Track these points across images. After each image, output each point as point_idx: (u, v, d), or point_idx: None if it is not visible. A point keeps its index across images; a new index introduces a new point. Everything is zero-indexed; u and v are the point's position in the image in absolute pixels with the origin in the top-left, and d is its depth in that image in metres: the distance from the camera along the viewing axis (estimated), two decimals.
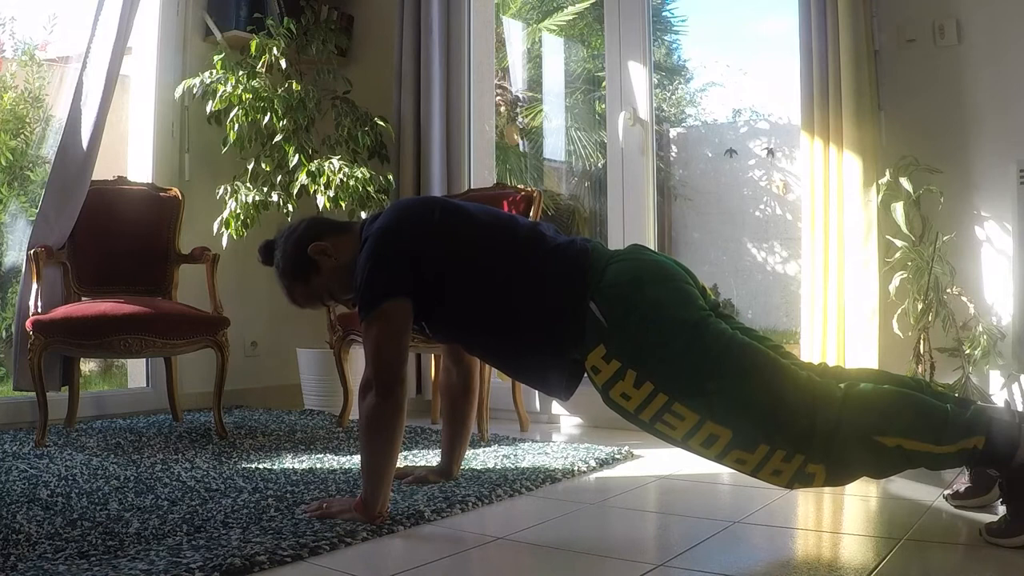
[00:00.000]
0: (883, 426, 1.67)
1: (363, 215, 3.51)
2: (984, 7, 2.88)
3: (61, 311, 2.96)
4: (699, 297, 1.87)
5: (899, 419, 1.68)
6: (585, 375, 1.89)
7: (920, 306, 2.78)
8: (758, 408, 1.71)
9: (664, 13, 8.48)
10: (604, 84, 3.78)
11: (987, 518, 1.77)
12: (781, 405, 1.71)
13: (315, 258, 2.03)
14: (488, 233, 1.98)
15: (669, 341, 1.76)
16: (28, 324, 2.92)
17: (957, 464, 1.75)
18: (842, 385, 1.74)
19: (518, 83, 8.18)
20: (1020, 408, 2.09)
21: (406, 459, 2.62)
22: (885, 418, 1.68)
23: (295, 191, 3.53)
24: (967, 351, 2.74)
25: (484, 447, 2.85)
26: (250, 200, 3.53)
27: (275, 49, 3.64)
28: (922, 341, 2.81)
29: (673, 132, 8.19)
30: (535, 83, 8.23)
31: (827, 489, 2.12)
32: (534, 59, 8.29)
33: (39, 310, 3.01)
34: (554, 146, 8.14)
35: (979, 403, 1.76)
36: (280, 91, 3.62)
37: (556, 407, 3.56)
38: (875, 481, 2.17)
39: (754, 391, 1.72)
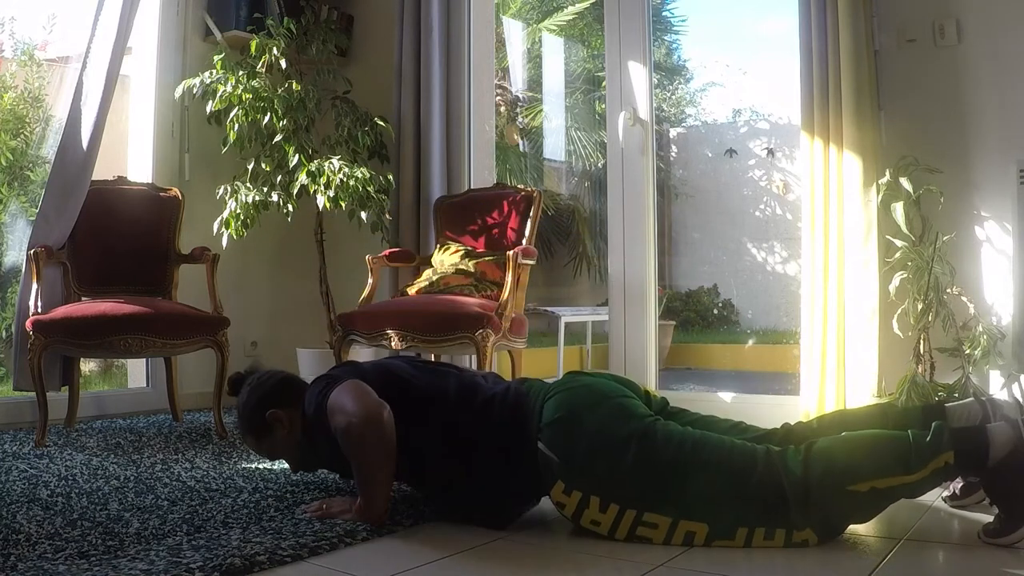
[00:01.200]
0: (851, 475, 1.69)
1: (363, 215, 3.52)
2: (984, 7, 2.88)
3: (61, 311, 2.96)
4: (640, 406, 1.89)
5: (864, 464, 1.70)
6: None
7: (920, 306, 2.78)
8: (725, 496, 1.73)
9: (664, 13, 8.48)
10: (604, 84, 3.78)
11: (987, 518, 1.77)
12: (746, 487, 1.72)
13: (270, 423, 2.06)
14: (425, 398, 1.97)
15: (620, 460, 1.78)
16: (28, 324, 2.92)
17: (936, 484, 1.75)
18: (802, 447, 1.75)
19: (518, 83, 8.18)
20: (995, 398, 2.07)
21: None
22: (850, 467, 1.70)
23: (295, 191, 3.53)
24: (967, 351, 2.74)
25: None
26: (250, 200, 3.53)
27: (275, 49, 3.64)
28: (922, 341, 2.81)
29: (673, 132, 8.19)
30: (535, 83, 8.23)
31: None
32: (534, 59, 8.30)
33: (39, 310, 3.01)
34: (554, 146, 8.15)
35: (946, 408, 1.80)
36: (280, 91, 3.62)
37: None
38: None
39: (715, 481, 1.74)
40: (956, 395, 2.64)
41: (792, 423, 2.01)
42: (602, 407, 1.86)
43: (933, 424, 1.72)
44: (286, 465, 2.51)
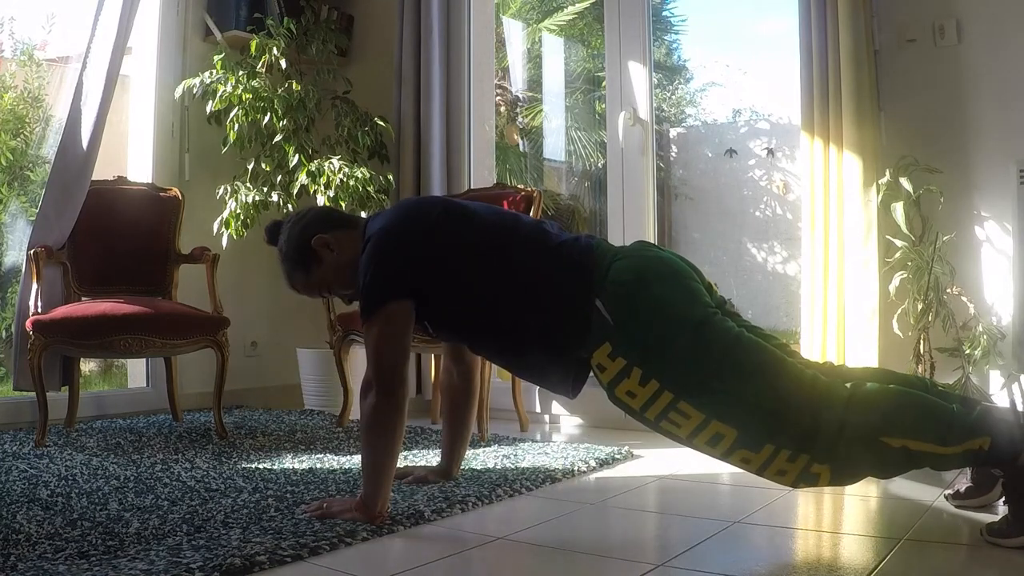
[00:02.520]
0: (888, 427, 1.66)
1: (363, 215, 3.52)
2: (984, 7, 2.88)
3: (61, 311, 2.96)
4: (705, 294, 1.86)
5: (904, 420, 1.68)
6: (591, 373, 1.89)
7: (920, 306, 2.78)
8: (763, 407, 1.70)
9: (664, 13, 8.48)
10: (604, 84, 3.78)
11: (988, 518, 1.77)
12: (786, 405, 1.70)
13: (317, 250, 2.03)
14: (491, 233, 1.98)
15: (675, 339, 1.75)
16: (28, 324, 2.92)
17: (962, 465, 1.75)
18: (848, 385, 1.73)
19: (518, 83, 8.18)
20: (1021, 407, 2.08)
21: (406, 459, 2.62)
22: (890, 419, 1.67)
23: (295, 191, 3.53)
24: (967, 351, 2.74)
25: (484, 447, 2.85)
26: (250, 200, 3.53)
27: (275, 49, 3.64)
28: (922, 341, 2.81)
29: (673, 132, 8.19)
30: (535, 83, 8.23)
31: (827, 489, 2.13)
32: (534, 59, 8.29)
33: (39, 310, 3.01)
34: (554, 146, 8.14)
35: (984, 404, 1.76)
36: (280, 91, 3.62)
37: (556, 407, 3.57)
38: (876, 481, 2.17)
39: (759, 390, 1.71)
40: (960, 395, 2.64)
41: (836, 364, 1.97)
42: (671, 282, 1.84)
43: (978, 406, 1.71)
44: (287, 465, 2.52)
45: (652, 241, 3.55)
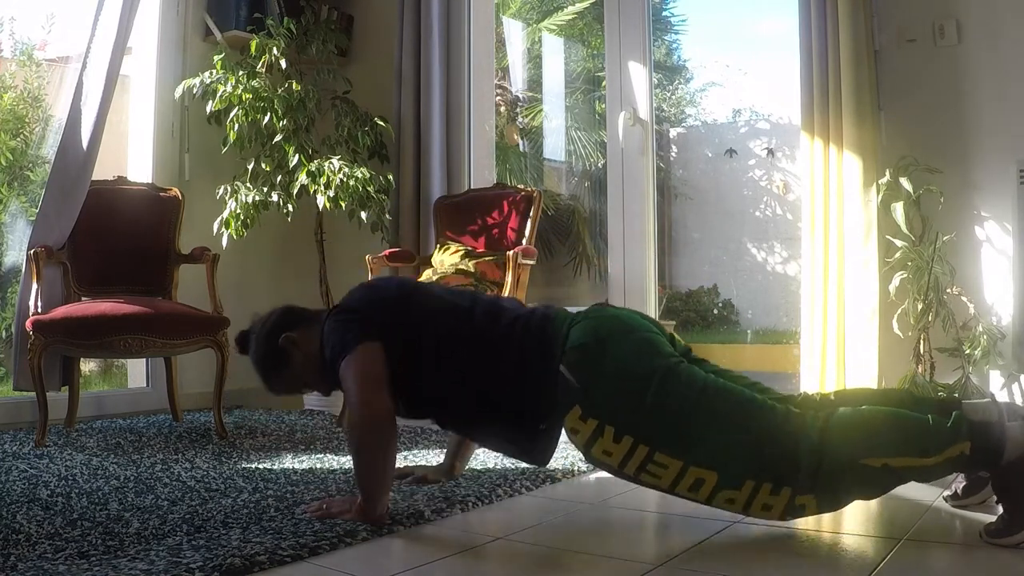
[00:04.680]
0: (867, 449, 1.68)
1: (363, 215, 3.52)
2: (984, 7, 2.88)
3: (61, 311, 2.96)
4: (667, 344, 1.88)
5: (882, 439, 1.69)
6: (558, 439, 1.90)
7: (920, 306, 2.78)
8: (739, 447, 1.72)
9: (664, 13, 8.48)
10: (604, 84, 3.78)
11: (987, 518, 1.77)
12: (762, 441, 1.71)
13: (286, 348, 2.04)
14: (449, 312, 1.98)
15: (641, 392, 1.77)
16: (28, 324, 2.92)
17: (947, 472, 1.75)
18: (821, 414, 1.74)
19: (518, 83, 8.17)
20: (1011, 402, 2.09)
21: (406, 459, 2.62)
22: (868, 441, 1.69)
23: (295, 191, 3.53)
24: (967, 351, 2.74)
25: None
26: (250, 200, 3.53)
27: (275, 49, 3.64)
28: (922, 341, 2.81)
29: (673, 132, 8.19)
30: (535, 83, 8.23)
31: None
32: (534, 59, 8.29)
33: (39, 310, 3.01)
34: (554, 146, 8.14)
35: (963, 404, 1.77)
36: (280, 91, 3.62)
37: None
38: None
39: (733, 431, 1.73)
40: (956, 395, 2.64)
41: (810, 392, 1.99)
42: (629, 338, 1.85)
43: (953, 413, 1.71)
44: (287, 465, 2.52)
45: (651, 243, 3.55)
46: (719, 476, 1.72)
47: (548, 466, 2.46)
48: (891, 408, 1.77)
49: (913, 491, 2.17)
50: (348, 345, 1.90)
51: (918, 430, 1.69)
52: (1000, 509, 1.71)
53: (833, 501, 1.73)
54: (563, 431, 1.87)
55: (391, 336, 1.93)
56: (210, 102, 3.59)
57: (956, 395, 2.63)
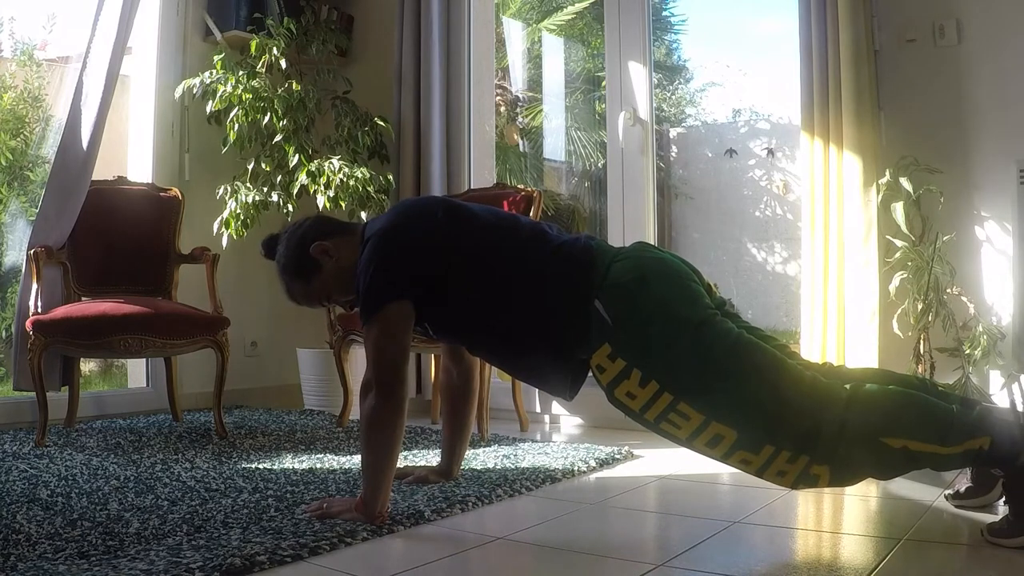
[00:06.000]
0: (889, 427, 1.66)
1: (363, 215, 3.52)
2: (984, 7, 2.88)
3: (61, 311, 2.96)
4: (704, 295, 1.86)
5: (905, 420, 1.68)
6: (589, 374, 1.88)
7: (920, 306, 2.78)
8: (763, 409, 1.70)
9: (664, 13, 8.49)
10: (604, 84, 3.78)
11: (988, 518, 1.77)
12: (786, 406, 1.70)
13: (317, 258, 2.02)
14: (490, 233, 1.98)
15: (675, 340, 1.75)
16: (28, 324, 2.92)
17: (962, 465, 1.75)
18: (847, 386, 1.73)
19: (518, 83, 8.18)
20: (1021, 407, 2.09)
21: (406, 459, 2.62)
22: (890, 419, 1.67)
23: (295, 191, 3.53)
24: (967, 351, 2.74)
25: (484, 447, 2.85)
26: (250, 200, 3.53)
27: (275, 49, 3.64)
28: (922, 341, 2.81)
29: (673, 132, 8.19)
30: (535, 83, 8.23)
31: (827, 489, 2.12)
32: (534, 59, 8.29)
33: (39, 310, 3.01)
34: (554, 146, 8.14)
35: (984, 404, 1.76)
36: (280, 91, 3.62)
37: (556, 407, 3.56)
38: (876, 481, 2.17)
39: (759, 391, 1.71)
40: (960, 395, 2.64)
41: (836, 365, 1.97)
42: (671, 283, 1.83)
43: (978, 406, 1.71)
44: (287, 465, 2.52)
45: (652, 242, 3.55)
46: (738, 436, 1.70)
47: (548, 467, 2.46)
48: (918, 392, 1.76)
49: (913, 491, 2.18)
50: (375, 303, 1.89)
51: (943, 417, 1.67)
52: (1004, 509, 1.71)
53: (846, 475, 1.72)
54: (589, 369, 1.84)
55: (427, 268, 1.91)
56: (210, 102, 3.59)
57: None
